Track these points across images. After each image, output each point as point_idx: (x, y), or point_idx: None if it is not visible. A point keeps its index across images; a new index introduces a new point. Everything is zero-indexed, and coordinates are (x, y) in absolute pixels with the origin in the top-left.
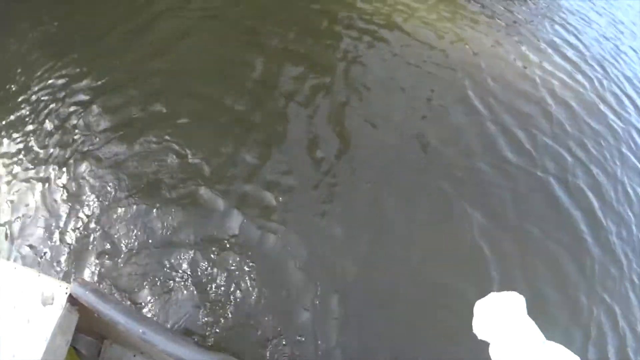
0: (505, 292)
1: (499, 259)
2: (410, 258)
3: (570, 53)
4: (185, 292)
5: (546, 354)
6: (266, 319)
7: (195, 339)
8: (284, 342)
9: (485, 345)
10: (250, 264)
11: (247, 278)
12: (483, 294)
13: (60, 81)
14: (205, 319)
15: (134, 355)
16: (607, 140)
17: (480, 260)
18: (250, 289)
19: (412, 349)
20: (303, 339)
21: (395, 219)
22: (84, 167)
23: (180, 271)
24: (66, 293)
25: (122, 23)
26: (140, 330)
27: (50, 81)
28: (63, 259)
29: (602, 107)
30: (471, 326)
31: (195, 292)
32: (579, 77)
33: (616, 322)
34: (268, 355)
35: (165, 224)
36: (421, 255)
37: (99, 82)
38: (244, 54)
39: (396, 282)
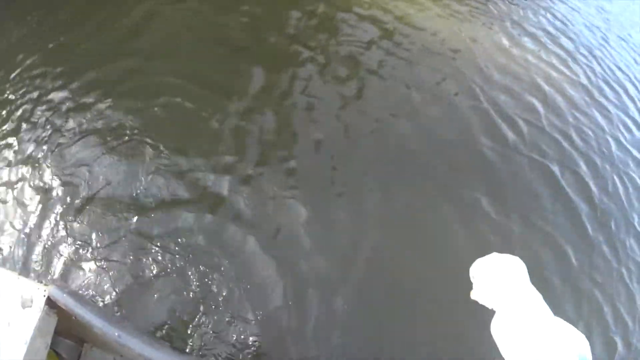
0: (506, 255)
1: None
2: (415, 252)
3: (561, 41)
4: (167, 292)
5: (554, 329)
6: (255, 318)
7: (176, 341)
8: (272, 345)
9: (488, 343)
10: (238, 260)
11: (234, 274)
12: None
13: (38, 79)
14: (188, 319)
15: (114, 359)
16: (601, 126)
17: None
18: (235, 286)
19: (414, 349)
20: (298, 339)
21: (400, 209)
22: (58, 163)
23: (160, 270)
24: (44, 296)
25: (109, 18)
26: (116, 334)
27: (27, 75)
28: (40, 259)
29: (594, 94)
30: (475, 324)
31: (177, 292)
32: (571, 64)
33: (617, 310)
34: (255, 356)
35: (144, 220)
36: (425, 248)
37: (76, 71)
38: (238, 38)
39: (400, 277)
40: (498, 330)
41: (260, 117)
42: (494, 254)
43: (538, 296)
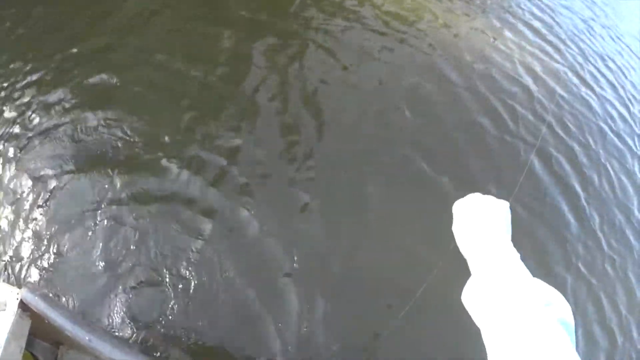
0: (489, 197)
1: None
2: (417, 244)
3: (546, 31)
4: (139, 290)
5: (532, 291)
6: (241, 318)
7: (149, 344)
8: (248, 348)
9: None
10: (217, 258)
11: (211, 274)
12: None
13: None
14: (162, 319)
15: None
16: (594, 112)
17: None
18: (214, 286)
19: (415, 348)
20: (274, 341)
21: (403, 199)
22: (30, 152)
23: (134, 265)
24: (17, 299)
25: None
26: (87, 338)
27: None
28: (9, 259)
29: (587, 81)
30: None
31: (149, 291)
32: (556, 55)
33: (613, 301)
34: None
35: (119, 214)
36: (425, 240)
37: (58, 64)
38: (235, 21)
39: (403, 272)
40: (471, 296)
41: (259, 100)
42: (476, 194)
43: (516, 255)
